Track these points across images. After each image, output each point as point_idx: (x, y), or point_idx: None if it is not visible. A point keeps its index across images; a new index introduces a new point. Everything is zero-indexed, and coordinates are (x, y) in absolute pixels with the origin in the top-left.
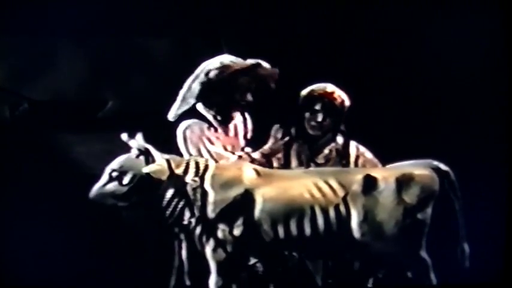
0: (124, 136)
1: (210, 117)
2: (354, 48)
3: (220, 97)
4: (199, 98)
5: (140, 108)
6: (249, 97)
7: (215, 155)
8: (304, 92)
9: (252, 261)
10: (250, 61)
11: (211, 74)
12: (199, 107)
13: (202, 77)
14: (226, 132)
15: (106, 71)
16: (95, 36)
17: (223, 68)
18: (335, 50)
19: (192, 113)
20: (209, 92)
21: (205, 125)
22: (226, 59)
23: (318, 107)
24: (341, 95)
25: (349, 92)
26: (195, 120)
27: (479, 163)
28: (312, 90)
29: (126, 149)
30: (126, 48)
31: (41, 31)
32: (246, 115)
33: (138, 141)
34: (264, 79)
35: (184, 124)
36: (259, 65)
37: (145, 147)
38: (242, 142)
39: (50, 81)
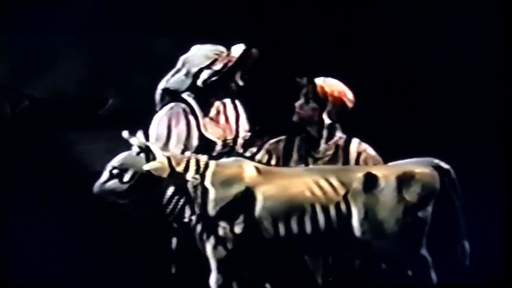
0: (125, 133)
1: (197, 104)
2: (356, 46)
3: (214, 91)
4: (187, 90)
5: (141, 106)
6: (240, 82)
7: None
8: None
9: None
10: (237, 50)
11: (203, 76)
12: (185, 95)
13: (191, 79)
14: (217, 119)
15: (107, 68)
16: (97, 34)
17: (212, 66)
18: (338, 46)
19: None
20: (202, 89)
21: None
22: (209, 51)
23: (328, 107)
24: (350, 94)
25: (351, 89)
26: (180, 104)
27: (480, 161)
28: (321, 87)
29: (127, 146)
30: (127, 46)
31: (42, 29)
32: (237, 102)
33: (138, 139)
34: (248, 61)
35: (167, 107)
36: (248, 51)
37: (146, 145)
38: (234, 129)
39: (51, 78)
